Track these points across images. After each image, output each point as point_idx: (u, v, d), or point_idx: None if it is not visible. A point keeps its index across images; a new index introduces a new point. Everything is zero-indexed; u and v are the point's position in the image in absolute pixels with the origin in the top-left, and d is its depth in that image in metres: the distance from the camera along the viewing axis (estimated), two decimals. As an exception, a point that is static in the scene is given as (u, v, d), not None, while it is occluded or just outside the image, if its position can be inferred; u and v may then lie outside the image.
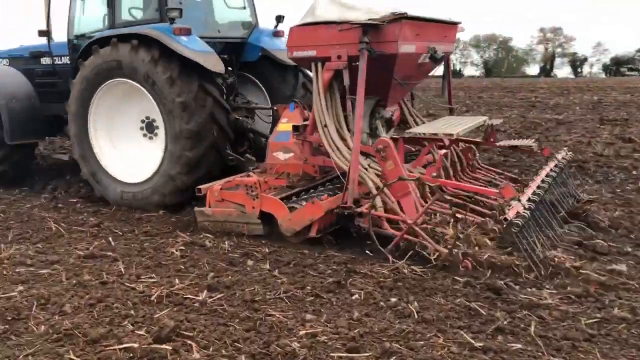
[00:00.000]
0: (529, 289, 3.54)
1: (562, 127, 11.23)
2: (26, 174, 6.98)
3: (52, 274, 3.85)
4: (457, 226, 3.97)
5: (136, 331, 2.98)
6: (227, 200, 4.76)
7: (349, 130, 4.69)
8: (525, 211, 4.03)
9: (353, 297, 3.44)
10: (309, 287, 3.59)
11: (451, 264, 3.82)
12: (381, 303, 3.35)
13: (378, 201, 4.25)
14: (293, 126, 5.10)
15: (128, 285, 3.65)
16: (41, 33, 6.62)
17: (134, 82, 5.48)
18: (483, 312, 3.23)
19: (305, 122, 5.05)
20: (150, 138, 5.83)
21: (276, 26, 6.74)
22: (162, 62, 5.29)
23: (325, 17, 4.71)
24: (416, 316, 3.17)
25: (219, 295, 3.45)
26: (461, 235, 3.95)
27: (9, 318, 3.15)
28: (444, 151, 4.85)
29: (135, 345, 2.81)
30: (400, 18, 4.49)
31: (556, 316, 3.17)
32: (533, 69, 74.22)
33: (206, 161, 5.45)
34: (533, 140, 6.61)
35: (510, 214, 3.94)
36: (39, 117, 6.68)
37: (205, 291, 3.51)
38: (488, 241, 3.99)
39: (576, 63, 70.92)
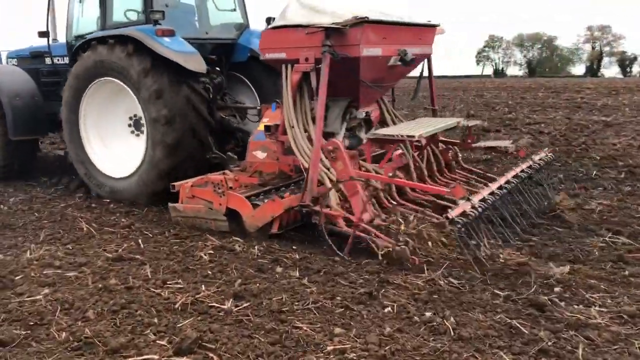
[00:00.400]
0: (576, 306, 3.30)
1: (610, 130, 10.75)
2: (30, 169, 7.35)
3: (79, 277, 3.79)
4: (408, 223, 4.09)
5: (157, 341, 2.88)
6: (197, 197, 4.90)
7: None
8: (473, 210, 4.13)
9: (385, 310, 3.26)
10: (339, 298, 3.42)
11: (399, 260, 3.90)
12: (415, 317, 3.16)
13: (334, 200, 4.39)
14: (265, 126, 5.25)
15: (153, 290, 3.55)
16: (41, 34, 6.83)
17: (118, 81, 5.73)
18: (525, 330, 3.00)
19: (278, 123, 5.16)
20: (138, 135, 6.06)
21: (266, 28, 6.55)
22: (138, 59, 5.53)
23: (294, 21, 4.85)
24: (452, 333, 2.97)
25: (245, 304, 3.32)
26: (414, 232, 4.05)
27: (32, 323, 3.09)
28: (399, 151, 4.93)
29: (156, 357, 2.71)
30: (362, 22, 4.56)
31: (606, 338, 2.92)
32: (579, 69, 72.19)
33: (185, 145, 5.60)
34: (511, 141, 6.71)
35: (453, 213, 4.02)
36: (41, 114, 6.93)
37: (231, 299, 3.38)
38: (444, 239, 4.08)
39: (625, 62, 68.60)
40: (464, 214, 4.07)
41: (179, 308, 3.28)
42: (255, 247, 4.34)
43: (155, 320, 3.11)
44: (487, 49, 78.87)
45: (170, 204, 5.09)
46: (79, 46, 6.03)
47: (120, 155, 6.10)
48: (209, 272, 3.87)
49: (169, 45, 5.52)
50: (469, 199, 4.27)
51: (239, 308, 3.28)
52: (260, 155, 5.31)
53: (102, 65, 5.77)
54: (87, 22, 6.62)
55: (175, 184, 5.03)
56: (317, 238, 4.52)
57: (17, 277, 3.79)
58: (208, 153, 5.80)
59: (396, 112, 6.03)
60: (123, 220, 5.25)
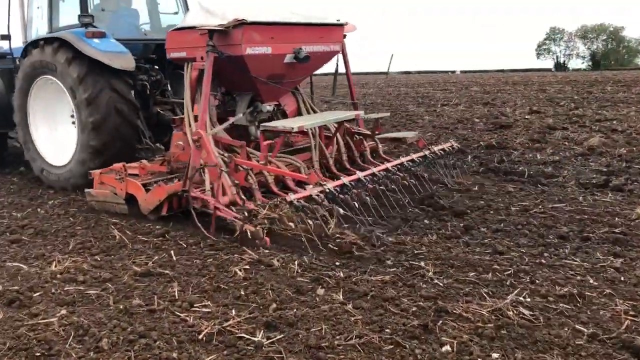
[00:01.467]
0: (681, 350, 2.68)
1: (693, 127, 9.73)
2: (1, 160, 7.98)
3: (101, 296, 3.45)
4: (272, 207, 4.36)
5: (174, 382, 2.47)
6: (105, 183, 5.37)
7: (212, 123, 5.33)
8: (319, 194, 4.59)
9: (443, 349, 2.74)
10: (387, 330, 2.93)
11: (254, 239, 4.22)
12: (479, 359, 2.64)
13: (208, 185, 4.82)
14: (172, 119, 5.76)
15: (178, 314, 3.16)
16: (2, 37, 7.28)
17: (55, 80, 6.21)
18: (619, 384, 2.43)
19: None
20: (74, 123, 6.34)
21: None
22: (74, 62, 5.94)
23: (192, 23, 5.31)
24: (526, 384, 2.43)
25: (278, 336, 2.87)
26: (272, 214, 4.31)
27: (38, 354, 2.74)
28: (267, 142, 5.11)
29: (169, 404, 2.30)
30: (241, 24, 4.96)
31: None
32: (648, 61, 68.38)
33: (111, 148, 6.01)
34: (417, 133, 7.06)
35: (294, 196, 4.46)
36: (7, 110, 7.06)
37: (263, 330, 2.94)
38: (309, 221, 4.33)
39: (700, 52, 64.48)
40: (309, 197, 4.53)
41: (204, 339, 2.87)
42: (296, 262, 3.90)
43: (175, 354, 2.71)
44: (547, 41, 75.90)
45: (86, 190, 5.61)
46: (25, 47, 6.58)
47: (61, 145, 6.51)
48: (242, 293, 3.45)
49: (97, 46, 5.91)
50: (321, 184, 4.76)
51: (270, 340, 2.84)
52: (180, 146, 5.53)
53: (40, 65, 6.29)
54: (39, 25, 7.21)
55: (92, 172, 5.48)
56: (363, 257, 4.07)
57: (36, 294, 3.48)
58: (140, 144, 6.31)
59: (313, 106, 6.55)
60: (158, 227, 4.90)
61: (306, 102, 6.52)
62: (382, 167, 5.57)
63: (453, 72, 42.42)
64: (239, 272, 3.77)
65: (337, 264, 3.93)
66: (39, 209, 5.66)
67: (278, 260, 3.96)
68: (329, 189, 4.74)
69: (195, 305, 3.29)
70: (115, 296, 3.44)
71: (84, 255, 4.26)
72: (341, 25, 6.15)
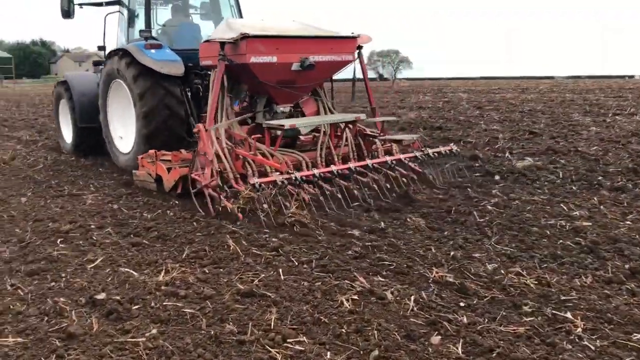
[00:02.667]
0: None
1: None
2: (94, 150, 9.06)
3: (196, 316, 3.22)
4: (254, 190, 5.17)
5: None
6: (144, 166, 6.61)
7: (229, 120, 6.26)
8: (283, 180, 5.33)
9: None
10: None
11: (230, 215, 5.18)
12: None
13: (209, 171, 5.59)
14: (201, 116, 6.85)
15: (268, 349, 2.82)
16: (99, 48, 8.64)
17: (122, 82, 7.38)
18: None
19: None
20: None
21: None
22: (131, 66, 7.08)
23: (214, 37, 6.36)
24: None
25: (373, 396, 2.39)
26: (254, 195, 5.16)
27: (112, 381, 2.55)
28: (255, 136, 6.03)
29: None
30: (245, 37, 5.89)
31: None
32: None
33: (159, 136, 6.99)
34: (417, 136, 7.53)
35: (256, 180, 5.25)
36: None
37: (357, 384, 2.48)
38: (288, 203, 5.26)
39: None
40: (273, 182, 5.31)
41: (287, 387, 2.48)
42: (412, 297, 3.37)
43: (250, 403, 2.35)
44: None
45: (133, 171, 6.91)
46: (106, 56, 7.88)
47: (130, 136, 7.52)
48: (344, 330, 3.01)
49: (152, 55, 6.98)
50: (288, 173, 5.52)
51: (364, 401, 2.36)
52: None
53: (113, 71, 7.51)
54: (121, 39, 8.48)
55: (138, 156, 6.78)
56: (494, 299, 3.41)
57: (134, 307, 3.36)
58: (190, 136, 7.00)
59: (332, 109, 7.30)
60: (274, 240, 4.64)
61: (326, 105, 7.28)
62: (362, 163, 6.22)
63: (631, 77, 38.06)
64: (345, 302, 3.35)
65: (462, 304, 3.33)
66: (168, 211, 5.70)
67: (392, 293, 3.47)
68: (295, 176, 5.49)
69: (288, 340, 2.91)
70: (210, 318, 3.19)
71: (194, 265, 4.12)
72: (353, 37, 6.92)
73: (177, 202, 6.04)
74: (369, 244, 4.52)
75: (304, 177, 5.57)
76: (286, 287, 3.66)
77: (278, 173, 5.54)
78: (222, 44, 6.02)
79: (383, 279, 3.74)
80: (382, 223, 5.11)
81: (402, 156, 6.54)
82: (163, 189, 6.29)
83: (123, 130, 7.78)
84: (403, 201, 5.85)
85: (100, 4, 8.60)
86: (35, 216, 5.52)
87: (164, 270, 3.95)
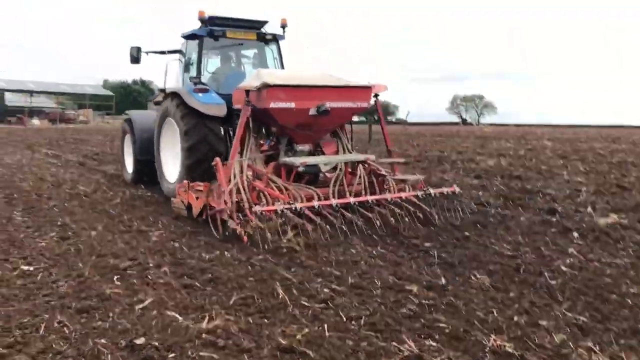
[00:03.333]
0: None
1: None
2: (151, 180, 9.85)
3: (229, 372, 3.09)
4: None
5: None
6: (179, 195, 7.40)
7: (252, 156, 7.22)
8: (284, 210, 6.09)
9: None
10: None
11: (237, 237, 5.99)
12: None
13: (227, 198, 6.33)
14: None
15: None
16: (160, 90, 9.84)
17: (172, 120, 8.40)
18: None
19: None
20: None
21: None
22: (180, 107, 8.14)
23: (245, 85, 7.21)
24: None
25: None
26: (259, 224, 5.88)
27: None
28: (268, 169, 7.08)
29: None
30: (266, 86, 6.74)
31: None
32: None
33: (199, 168, 7.80)
34: (422, 177, 8.07)
35: (259, 208, 6.06)
36: None
37: None
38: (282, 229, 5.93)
39: None
40: (274, 211, 6.01)
41: None
42: (463, 368, 3.08)
43: None
44: None
45: (171, 199, 7.80)
46: (163, 97, 9.06)
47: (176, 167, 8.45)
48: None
49: (199, 98, 7.98)
50: (290, 204, 6.17)
51: None
52: None
53: (166, 110, 8.60)
54: (178, 83, 9.67)
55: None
56: None
57: (171, 355, 3.28)
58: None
59: (350, 149, 8.10)
60: (325, 291, 4.47)
61: (345, 146, 8.06)
62: (361, 198, 6.88)
63: None
64: (388, 368, 3.10)
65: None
66: (226, 252, 5.67)
67: (442, 360, 3.18)
68: (295, 207, 6.14)
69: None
70: (243, 375, 3.05)
71: (239, 313, 4.01)
72: (368, 87, 7.71)
73: (235, 244, 6.02)
74: (426, 302, 4.25)
75: (303, 208, 6.21)
76: (329, 345, 3.46)
77: (280, 202, 6.29)
78: (247, 91, 6.92)
79: (435, 344, 3.46)
80: (443, 279, 4.81)
81: (403, 194, 7.06)
82: (192, 215, 7.03)
83: (172, 162, 8.69)
84: (469, 255, 5.52)
85: (163, 52, 9.99)
86: (100, 251, 5.67)
87: (208, 317, 3.86)
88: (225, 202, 6.28)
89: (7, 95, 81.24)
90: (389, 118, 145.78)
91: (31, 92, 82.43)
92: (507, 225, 6.90)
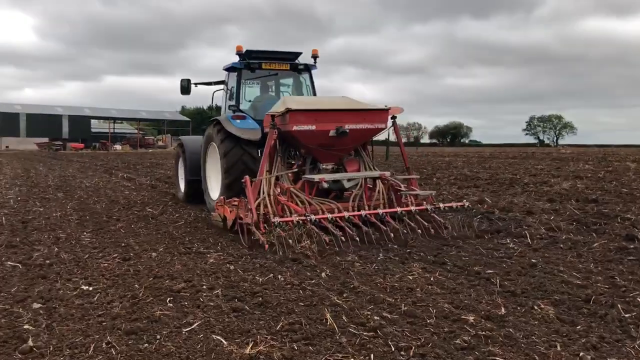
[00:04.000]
0: None
1: None
2: (199, 198, 10.83)
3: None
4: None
5: None
6: (217, 209, 8.31)
7: (280, 174, 8.06)
8: (299, 220, 6.89)
9: None
10: None
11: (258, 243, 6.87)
12: None
13: (254, 212, 7.19)
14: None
15: None
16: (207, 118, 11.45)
17: (214, 144, 9.63)
18: None
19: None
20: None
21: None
22: (220, 132, 9.34)
23: (272, 110, 8.10)
24: None
25: None
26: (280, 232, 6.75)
27: None
28: (288, 186, 7.90)
29: None
30: (288, 111, 7.63)
31: None
32: None
33: (236, 186, 8.43)
34: (433, 192, 8.67)
35: (277, 219, 6.86)
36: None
37: None
38: (305, 237, 6.76)
39: None
40: (290, 221, 6.84)
41: None
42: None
43: None
44: None
45: (211, 213, 9.02)
46: (207, 124, 10.23)
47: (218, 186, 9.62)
48: None
49: (236, 124, 9.18)
50: (306, 216, 6.95)
51: None
52: None
53: (209, 135, 9.88)
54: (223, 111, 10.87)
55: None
56: None
57: (210, 381, 3.22)
58: None
59: (371, 167, 8.62)
60: (376, 318, 4.30)
61: (367, 164, 8.67)
62: (373, 211, 7.50)
63: None
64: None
65: None
66: (280, 276, 5.61)
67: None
68: (310, 218, 6.90)
69: None
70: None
71: (285, 339, 3.91)
72: (384, 110, 8.41)
73: (290, 267, 5.96)
74: (483, 333, 3.99)
75: (318, 219, 6.98)
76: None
77: (296, 214, 7.07)
78: (272, 116, 7.76)
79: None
80: (503, 308, 4.53)
81: (412, 208, 7.78)
82: (227, 227, 7.90)
83: (214, 181, 9.85)
84: (534, 284, 5.19)
85: (210, 84, 11.29)
86: (157, 272, 5.75)
87: (253, 342, 3.79)
88: (252, 214, 7.07)
89: (93, 121, 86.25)
90: (463, 140, 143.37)
91: (114, 119, 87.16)
92: (579, 252, 6.46)
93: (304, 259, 6.12)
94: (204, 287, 5.22)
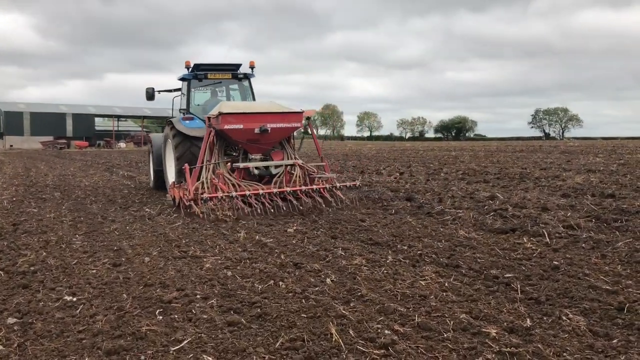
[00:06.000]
0: None
1: None
2: (163, 184, 12.94)
3: None
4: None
5: None
6: (169, 191, 10.67)
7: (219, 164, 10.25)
8: (223, 197, 9.15)
9: None
10: None
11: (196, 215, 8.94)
12: None
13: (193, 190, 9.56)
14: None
15: None
16: (167, 119, 12.95)
17: (170, 140, 11.65)
18: None
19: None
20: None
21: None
22: (172, 130, 11.49)
23: (210, 114, 10.32)
24: None
25: None
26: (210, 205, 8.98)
27: None
28: (219, 171, 9.95)
29: None
30: (219, 114, 9.75)
31: None
32: None
33: (184, 173, 10.01)
34: (334, 175, 10.72)
35: (206, 195, 9.12)
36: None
37: None
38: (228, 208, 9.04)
39: None
40: (215, 197, 9.10)
41: None
42: None
43: None
44: None
45: (166, 195, 11.12)
46: (165, 124, 12.68)
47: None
48: None
49: (185, 124, 11.23)
50: (229, 194, 9.23)
51: None
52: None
53: (166, 134, 12.09)
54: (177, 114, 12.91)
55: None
56: None
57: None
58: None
59: (293, 156, 10.75)
60: (387, 332, 3.85)
61: (289, 154, 10.79)
62: (283, 189, 9.73)
63: None
64: None
65: None
66: (281, 282, 5.17)
67: None
68: (231, 195, 9.17)
69: None
70: None
71: (286, 358, 3.47)
72: (299, 112, 10.44)
73: (292, 273, 5.52)
74: (507, 349, 3.54)
75: (238, 196, 9.24)
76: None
77: (221, 192, 9.28)
78: (209, 118, 10.13)
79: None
80: (528, 319, 4.07)
81: (313, 186, 10.04)
82: (176, 205, 9.93)
83: (170, 170, 11.92)
84: (559, 289, 4.72)
85: (170, 90, 13.51)
86: (149, 280, 5.32)
87: (248, 364, 3.35)
88: (189, 193, 9.42)
89: (96, 119, 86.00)
90: (467, 134, 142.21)
91: (118, 117, 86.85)
92: (603, 253, 5.99)
93: (353, 283, 5.09)
94: (198, 296, 4.79)
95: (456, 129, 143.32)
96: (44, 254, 6.53)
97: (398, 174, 16.89)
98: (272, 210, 9.06)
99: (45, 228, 8.33)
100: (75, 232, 8.00)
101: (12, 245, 7.00)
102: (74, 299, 4.74)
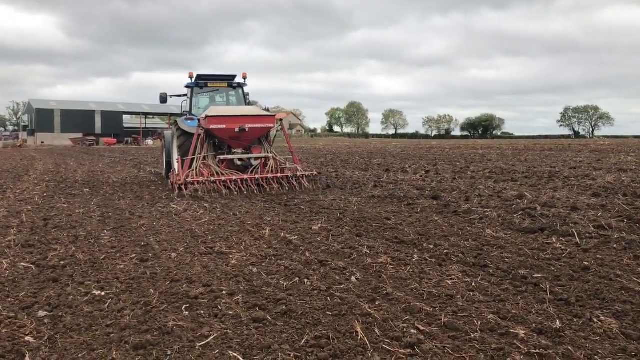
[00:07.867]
0: None
1: None
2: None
3: None
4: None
5: None
6: (170, 177, 13.53)
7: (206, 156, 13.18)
8: (205, 182, 11.96)
9: None
10: None
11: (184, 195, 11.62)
12: None
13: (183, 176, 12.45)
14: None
15: None
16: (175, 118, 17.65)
17: (175, 137, 14.29)
18: None
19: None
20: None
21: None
22: (178, 130, 14.13)
23: (200, 116, 13.47)
24: None
25: None
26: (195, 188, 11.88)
27: None
28: (204, 162, 12.99)
29: None
30: (206, 117, 12.68)
31: None
32: None
33: (183, 162, 13.03)
34: (298, 167, 13.54)
35: (190, 179, 12.01)
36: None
37: None
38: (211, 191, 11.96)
39: None
40: (198, 181, 11.92)
41: None
42: None
43: None
44: None
45: (169, 181, 13.81)
46: (173, 124, 15.33)
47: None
48: None
49: (187, 124, 13.95)
50: (208, 179, 12.06)
51: None
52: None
53: (173, 132, 14.80)
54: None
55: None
56: None
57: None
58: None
59: (270, 151, 13.64)
60: (412, 332, 3.81)
61: (267, 149, 13.62)
62: (254, 176, 12.60)
63: None
64: None
65: None
66: (306, 280, 5.17)
67: None
68: (213, 180, 12.01)
69: None
70: None
71: (310, 356, 3.46)
72: (272, 115, 13.41)
73: (317, 270, 5.50)
74: (536, 351, 3.48)
75: (220, 181, 12.09)
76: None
77: (204, 177, 12.13)
78: (199, 119, 12.95)
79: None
80: (558, 321, 3.99)
81: (279, 174, 12.78)
82: (174, 189, 12.18)
83: (174, 161, 14.19)
84: (589, 290, 4.62)
85: (180, 96, 16.07)
86: (175, 275, 5.37)
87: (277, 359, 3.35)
88: (179, 179, 12.04)
89: (125, 117, 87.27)
90: (495, 132, 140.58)
91: (145, 114, 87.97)
92: (636, 254, 5.84)
93: (378, 280, 5.07)
94: (224, 292, 4.81)
95: (483, 127, 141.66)
96: (74, 248, 6.63)
97: (424, 172, 16.76)
98: (245, 192, 11.96)
99: (75, 223, 8.47)
100: (103, 227, 8.12)
101: (43, 240, 7.13)
102: (102, 294, 4.80)
